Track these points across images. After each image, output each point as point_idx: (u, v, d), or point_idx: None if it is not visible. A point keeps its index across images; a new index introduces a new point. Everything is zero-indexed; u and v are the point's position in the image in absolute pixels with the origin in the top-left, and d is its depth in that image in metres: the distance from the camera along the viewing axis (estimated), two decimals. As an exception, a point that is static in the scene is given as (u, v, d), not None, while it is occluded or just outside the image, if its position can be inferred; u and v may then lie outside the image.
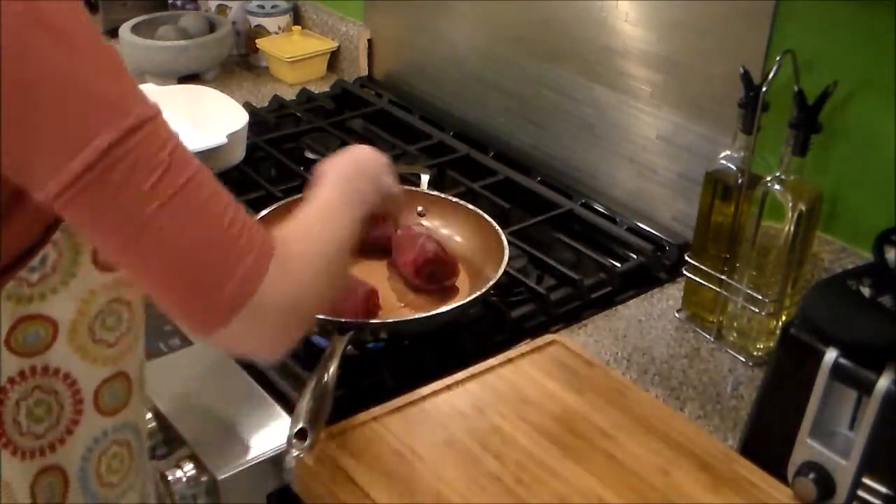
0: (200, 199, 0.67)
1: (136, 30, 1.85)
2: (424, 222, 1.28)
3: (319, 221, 0.83)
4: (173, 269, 0.67)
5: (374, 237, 1.23)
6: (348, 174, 0.92)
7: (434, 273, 1.15)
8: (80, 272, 0.77)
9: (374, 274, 1.19)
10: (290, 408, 0.99)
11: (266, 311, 0.70)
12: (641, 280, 1.28)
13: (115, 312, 0.82)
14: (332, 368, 0.95)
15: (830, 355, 0.84)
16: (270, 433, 0.98)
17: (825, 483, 0.85)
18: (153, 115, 0.66)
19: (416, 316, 1.10)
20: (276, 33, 1.97)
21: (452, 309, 1.09)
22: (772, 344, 1.10)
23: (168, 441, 1.02)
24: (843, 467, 0.84)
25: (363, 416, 0.97)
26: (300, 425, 0.90)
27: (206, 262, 0.67)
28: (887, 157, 1.08)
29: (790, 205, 1.05)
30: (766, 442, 0.93)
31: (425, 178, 1.33)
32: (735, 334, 1.14)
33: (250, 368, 1.07)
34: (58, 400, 0.79)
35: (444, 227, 1.27)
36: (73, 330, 0.78)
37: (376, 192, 0.95)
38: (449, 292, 1.17)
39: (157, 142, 0.66)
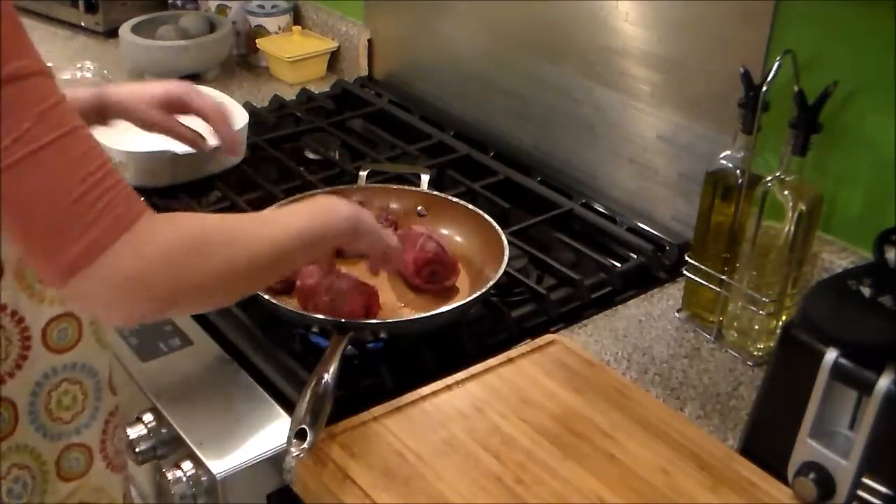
0: (62, 160, 0.69)
1: (136, 30, 1.85)
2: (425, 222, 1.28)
3: (259, 226, 0.87)
4: (21, 222, 0.70)
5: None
6: (336, 208, 0.96)
7: (434, 273, 1.15)
8: None
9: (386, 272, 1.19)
10: (290, 408, 0.99)
11: (106, 280, 0.71)
12: (641, 280, 1.28)
13: None
14: (332, 368, 0.95)
15: (830, 355, 0.84)
16: (270, 433, 0.98)
17: (825, 483, 0.85)
18: (34, 72, 0.68)
19: (416, 316, 1.10)
20: (276, 33, 1.97)
21: (452, 309, 1.09)
22: (772, 344, 1.10)
23: (168, 441, 1.02)
24: (843, 467, 0.84)
25: (363, 416, 0.97)
26: (300, 425, 0.90)
27: (53, 224, 0.70)
28: (887, 157, 1.08)
29: (790, 205, 1.05)
30: (766, 442, 0.93)
31: (425, 178, 1.33)
32: (735, 334, 1.14)
33: (250, 368, 1.07)
34: (5, 335, 0.82)
35: (444, 227, 1.26)
36: (19, 269, 0.81)
37: (363, 233, 0.97)
38: (449, 292, 1.17)
39: (31, 97, 0.68)
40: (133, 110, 1.17)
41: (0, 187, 0.68)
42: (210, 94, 1.19)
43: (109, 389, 0.94)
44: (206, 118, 1.21)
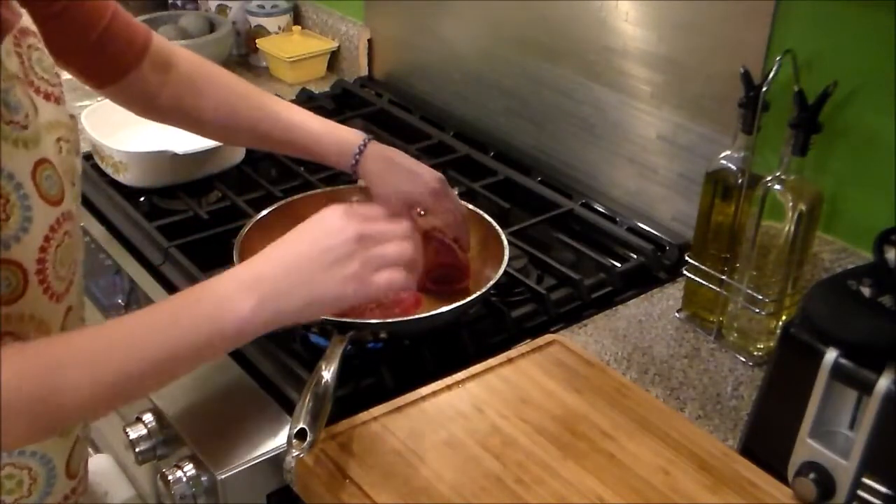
0: None
1: (136, 30, 1.85)
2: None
3: (108, 348, 0.74)
4: None
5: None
6: (274, 270, 0.79)
7: (444, 276, 1.15)
8: None
9: None
10: (290, 408, 0.99)
11: None
12: (641, 280, 1.28)
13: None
14: (332, 368, 0.95)
15: (830, 355, 0.84)
16: (270, 433, 0.98)
17: (825, 483, 0.85)
18: None
19: (416, 316, 1.10)
20: (276, 33, 1.97)
21: (452, 309, 1.09)
22: (772, 344, 1.10)
23: (168, 441, 1.02)
24: (843, 467, 0.84)
25: (363, 416, 0.97)
26: (300, 425, 0.90)
27: None
28: (887, 157, 1.08)
29: (790, 205, 1.05)
30: (766, 442, 0.93)
31: (425, 178, 1.33)
32: (735, 334, 1.14)
33: (250, 368, 1.07)
34: None
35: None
36: None
37: (332, 287, 0.80)
38: (458, 295, 1.15)
39: None
40: (378, 195, 1.13)
41: None
42: (455, 200, 1.15)
43: (66, 475, 0.90)
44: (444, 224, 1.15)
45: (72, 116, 0.89)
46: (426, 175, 1.12)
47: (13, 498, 0.86)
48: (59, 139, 0.84)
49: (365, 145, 1.13)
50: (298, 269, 0.79)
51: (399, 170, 1.13)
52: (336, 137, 1.14)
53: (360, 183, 1.33)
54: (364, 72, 1.89)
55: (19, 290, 0.78)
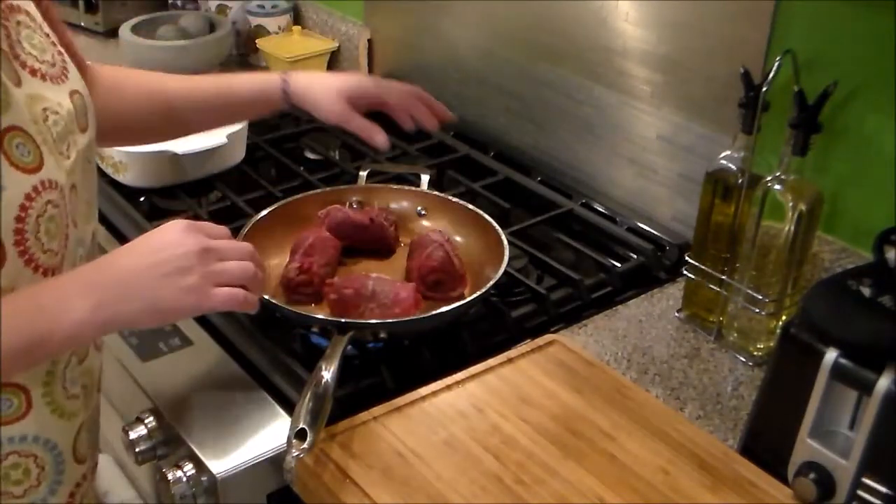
0: None
1: (136, 30, 1.85)
2: (425, 222, 1.28)
3: None
4: None
5: (376, 237, 1.23)
6: (113, 276, 0.82)
7: (438, 282, 1.14)
8: None
9: (386, 273, 1.18)
10: (290, 408, 0.99)
11: None
12: (641, 280, 1.28)
13: None
14: (332, 368, 0.95)
15: (830, 355, 0.84)
16: (270, 433, 0.98)
17: (825, 483, 0.85)
18: None
19: (416, 316, 1.10)
20: (276, 33, 1.97)
21: (452, 309, 1.09)
22: (772, 344, 1.10)
23: (168, 441, 1.02)
24: (843, 467, 0.84)
25: (363, 416, 0.97)
26: (300, 425, 0.90)
27: None
28: (887, 157, 1.08)
29: (790, 205, 1.05)
30: (766, 442, 0.93)
31: (425, 178, 1.33)
32: (735, 334, 1.14)
33: (251, 368, 1.07)
34: None
35: (444, 227, 1.26)
36: None
37: (156, 301, 0.82)
38: (454, 302, 1.15)
39: None
40: (319, 101, 1.16)
41: None
42: (395, 84, 1.22)
43: (74, 460, 0.90)
44: (399, 112, 1.20)
45: (74, 93, 0.87)
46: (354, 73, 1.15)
47: (22, 489, 0.84)
48: (45, 109, 0.82)
49: (285, 74, 1.16)
50: (138, 276, 0.82)
51: (328, 75, 1.16)
52: (257, 77, 1.17)
53: (360, 182, 1.33)
54: (364, 72, 1.89)
55: None
